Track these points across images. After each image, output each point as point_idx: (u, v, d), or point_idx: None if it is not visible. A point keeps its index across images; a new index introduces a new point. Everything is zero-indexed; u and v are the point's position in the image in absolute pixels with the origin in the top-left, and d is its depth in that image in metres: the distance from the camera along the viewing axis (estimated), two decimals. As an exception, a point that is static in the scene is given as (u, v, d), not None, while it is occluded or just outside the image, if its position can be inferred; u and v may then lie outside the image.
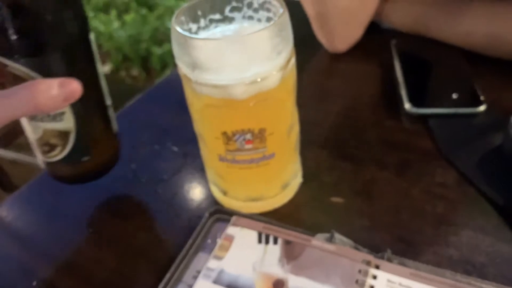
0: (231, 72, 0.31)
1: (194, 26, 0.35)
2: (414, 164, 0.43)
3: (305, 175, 0.42)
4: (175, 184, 0.44)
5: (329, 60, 0.61)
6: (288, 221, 0.37)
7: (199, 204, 0.42)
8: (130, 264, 0.37)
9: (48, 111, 0.31)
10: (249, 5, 0.35)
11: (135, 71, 2.35)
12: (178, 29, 0.31)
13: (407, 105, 0.48)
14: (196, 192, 0.44)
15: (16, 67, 0.32)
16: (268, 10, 0.35)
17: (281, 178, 0.39)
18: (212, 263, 0.35)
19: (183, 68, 0.33)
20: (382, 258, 0.34)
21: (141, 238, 0.40)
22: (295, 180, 0.41)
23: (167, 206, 0.42)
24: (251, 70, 0.31)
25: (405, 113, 0.48)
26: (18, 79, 0.32)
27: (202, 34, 0.36)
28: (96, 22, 2.41)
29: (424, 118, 0.47)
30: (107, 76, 0.42)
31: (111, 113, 0.40)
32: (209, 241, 0.37)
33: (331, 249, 0.35)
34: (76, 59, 0.35)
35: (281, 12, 0.32)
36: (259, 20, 0.36)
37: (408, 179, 0.41)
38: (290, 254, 0.35)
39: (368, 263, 0.33)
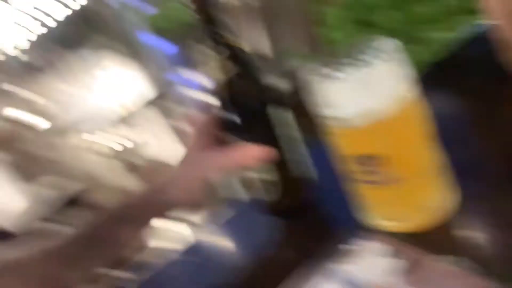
0: (348, 106, 0.37)
1: (326, 69, 0.42)
2: None
3: (459, 204, 0.42)
4: (340, 197, 0.50)
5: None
6: (425, 245, 0.39)
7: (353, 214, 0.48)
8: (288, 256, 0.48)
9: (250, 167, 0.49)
10: (377, 48, 0.40)
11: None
12: (303, 72, 0.39)
13: None
14: (353, 204, 0.49)
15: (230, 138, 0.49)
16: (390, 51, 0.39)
17: (416, 203, 0.41)
18: (341, 265, 0.41)
19: (311, 104, 0.40)
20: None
21: (301, 232, 0.50)
22: (440, 206, 0.41)
23: (328, 213, 0.52)
24: (367, 104, 0.36)
25: None
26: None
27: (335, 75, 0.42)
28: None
29: None
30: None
31: (298, 166, 0.52)
32: (348, 246, 0.42)
33: (456, 272, 0.35)
34: (267, 133, 0.49)
35: (393, 53, 0.36)
36: (384, 60, 0.40)
37: None
38: (413, 273, 0.37)
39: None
